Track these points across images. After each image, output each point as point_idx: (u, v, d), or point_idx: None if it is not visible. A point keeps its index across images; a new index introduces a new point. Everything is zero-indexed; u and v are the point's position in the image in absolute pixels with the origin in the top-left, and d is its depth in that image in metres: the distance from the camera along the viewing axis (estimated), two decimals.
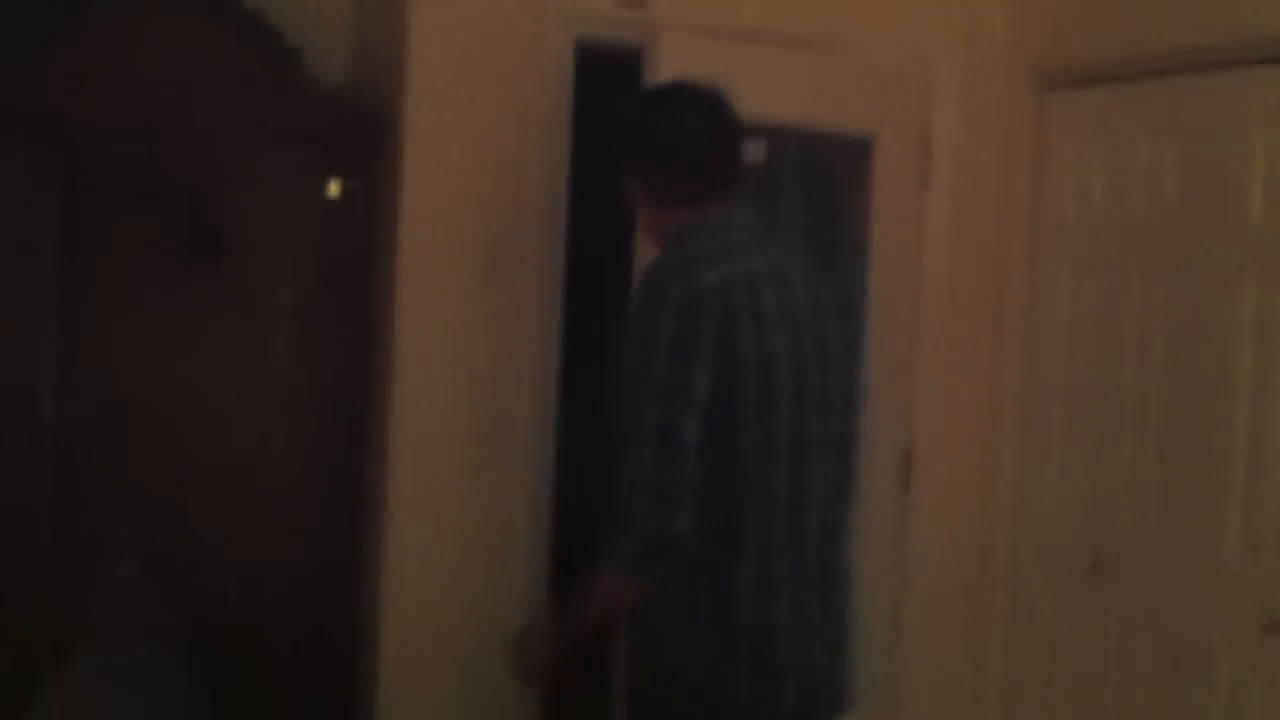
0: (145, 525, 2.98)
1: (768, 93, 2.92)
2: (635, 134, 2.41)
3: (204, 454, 3.01)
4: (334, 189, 2.99)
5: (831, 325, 2.35)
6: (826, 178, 3.53)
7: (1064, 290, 3.46)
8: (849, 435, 2.39)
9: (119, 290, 2.94)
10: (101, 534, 2.95)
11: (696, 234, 2.29)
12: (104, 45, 2.89)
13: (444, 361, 3.07)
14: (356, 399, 3.13)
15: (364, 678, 3.14)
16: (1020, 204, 3.54)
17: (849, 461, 2.38)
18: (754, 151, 2.92)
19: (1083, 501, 3.36)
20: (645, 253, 2.61)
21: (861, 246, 3.43)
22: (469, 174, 3.07)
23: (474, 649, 3.04)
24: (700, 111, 2.36)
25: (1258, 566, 2.89)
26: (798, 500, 2.25)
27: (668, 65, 2.94)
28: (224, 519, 3.01)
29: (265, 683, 3.01)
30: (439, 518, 3.08)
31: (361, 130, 3.10)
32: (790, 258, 2.37)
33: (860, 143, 3.40)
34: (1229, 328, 2.97)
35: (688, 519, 2.10)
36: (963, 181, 3.52)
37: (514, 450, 3.13)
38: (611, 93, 2.75)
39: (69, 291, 2.90)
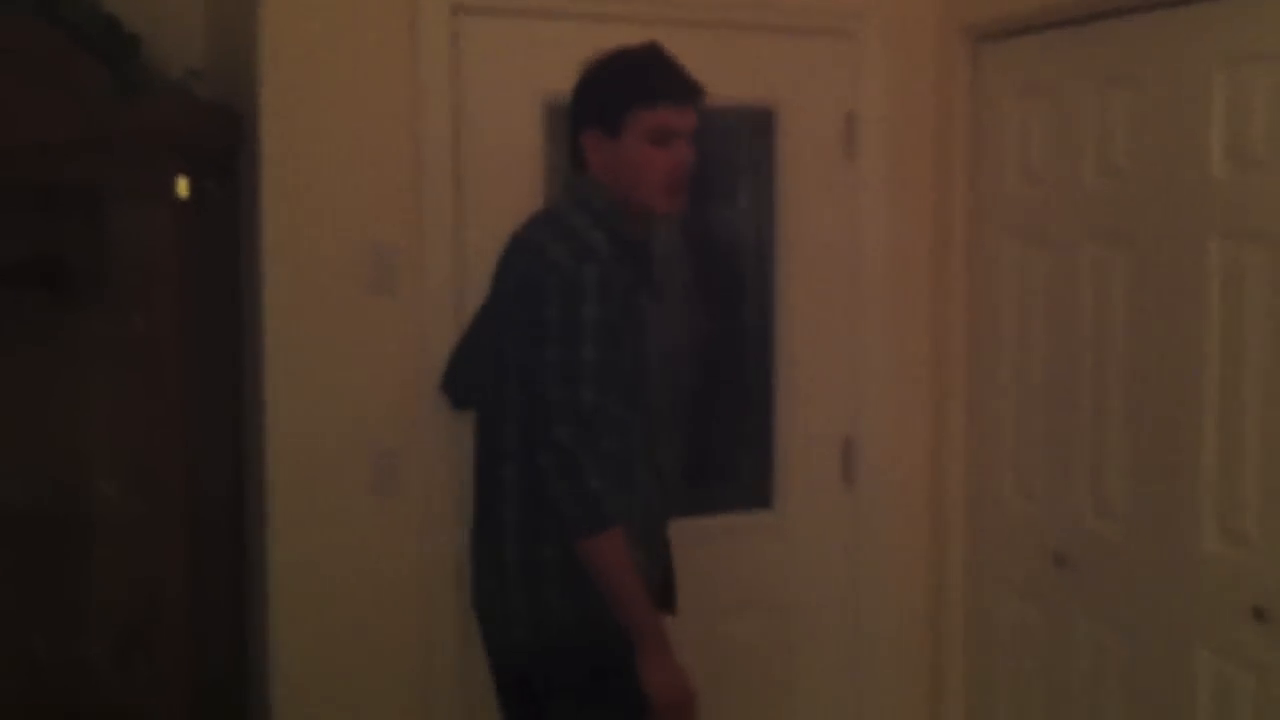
0: None
1: None
2: None
3: (58, 509, 2.69)
4: (182, 189, 2.62)
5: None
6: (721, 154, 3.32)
7: (1010, 260, 3.25)
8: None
9: None
10: None
11: None
12: None
13: (322, 385, 2.78)
14: (229, 436, 2.79)
15: None
16: (958, 168, 3.33)
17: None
18: None
19: (1041, 488, 3.18)
20: None
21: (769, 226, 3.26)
22: (341, 168, 2.79)
23: (370, 693, 2.86)
24: None
25: (1240, 549, 2.68)
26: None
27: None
28: (83, 581, 2.70)
29: None
30: (328, 562, 2.81)
31: (213, 125, 2.77)
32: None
33: (761, 115, 3.19)
34: (1194, 292, 2.75)
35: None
36: (894, 148, 3.31)
37: (410, 481, 2.86)
38: None
39: None
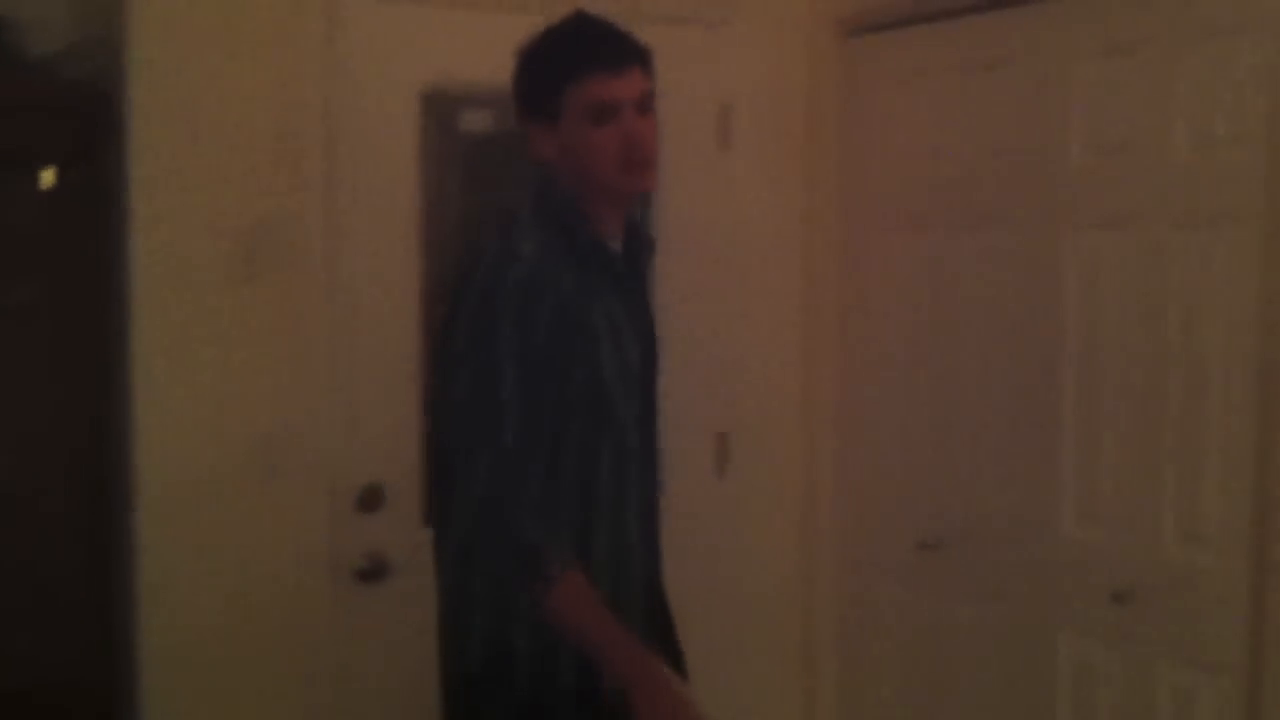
0: None
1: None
2: None
3: None
4: (47, 172, 2.55)
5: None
6: None
7: (880, 250, 3.31)
8: None
9: None
10: None
11: None
12: None
13: (192, 371, 2.72)
14: (105, 421, 2.74)
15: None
16: (830, 160, 3.38)
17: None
18: (478, 121, 2.52)
19: (908, 473, 3.24)
20: None
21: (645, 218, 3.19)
22: (211, 151, 2.72)
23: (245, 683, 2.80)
24: None
25: (1098, 533, 2.77)
26: None
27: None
28: None
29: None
30: (199, 558, 2.75)
31: (79, 106, 2.69)
32: None
33: None
34: (1054, 280, 2.83)
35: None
36: (767, 140, 3.34)
37: (289, 479, 2.80)
38: None
39: None
